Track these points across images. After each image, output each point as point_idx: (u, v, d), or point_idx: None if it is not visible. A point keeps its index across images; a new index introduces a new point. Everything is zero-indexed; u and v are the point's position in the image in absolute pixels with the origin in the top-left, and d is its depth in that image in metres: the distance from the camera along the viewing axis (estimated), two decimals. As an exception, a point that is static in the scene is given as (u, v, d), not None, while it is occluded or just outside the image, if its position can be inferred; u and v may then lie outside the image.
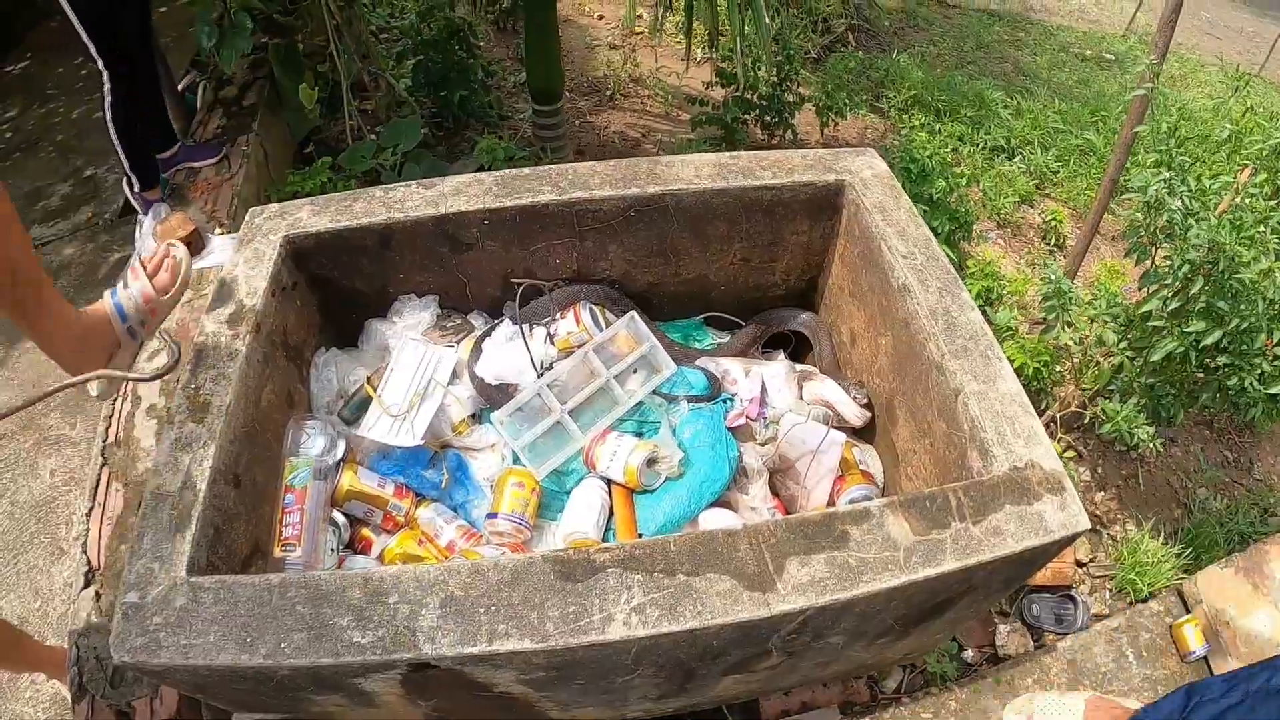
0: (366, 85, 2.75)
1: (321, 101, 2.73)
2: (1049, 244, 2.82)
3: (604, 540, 1.35)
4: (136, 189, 2.11)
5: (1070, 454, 2.33)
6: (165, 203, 2.15)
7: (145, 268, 1.25)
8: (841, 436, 1.43)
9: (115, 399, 1.77)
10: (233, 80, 2.68)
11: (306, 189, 2.44)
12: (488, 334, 1.59)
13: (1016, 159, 3.05)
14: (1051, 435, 2.38)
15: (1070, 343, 1.99)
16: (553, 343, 1.56)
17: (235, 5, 2.26)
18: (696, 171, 1.51)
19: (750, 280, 1.73)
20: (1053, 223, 2.79)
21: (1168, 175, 1.75)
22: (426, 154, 2.87)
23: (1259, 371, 1.73)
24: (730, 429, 1.50)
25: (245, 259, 1.38)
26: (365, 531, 1.42)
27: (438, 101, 3.07)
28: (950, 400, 1.27)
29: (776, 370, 1.62)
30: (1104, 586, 2.10)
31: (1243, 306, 1.68)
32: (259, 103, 2.60)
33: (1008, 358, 2.30)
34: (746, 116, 2.98)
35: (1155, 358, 1.86)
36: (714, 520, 1.37)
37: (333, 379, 1.52)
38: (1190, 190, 1.77)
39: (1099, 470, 2.33)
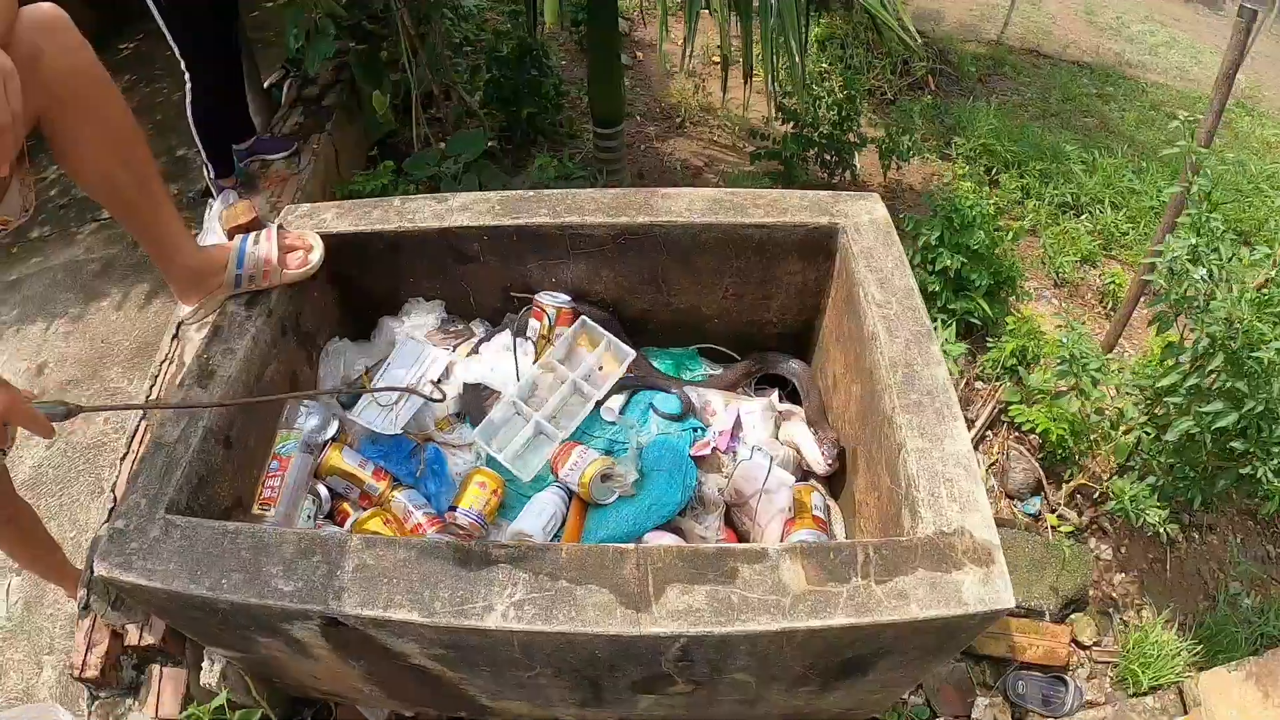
0: (436, 96, 2.98)
1: (396, 108, 2.98)
2: (1107, 307, 2.74)
3: (549, 544, 1.45)
4: (212, 176, 2.39)
5: (1093, 529, 2.27)
6: (235, 190, 2.43)
7: (285, 239, 1.49)
8: (790, 478, 1.48)
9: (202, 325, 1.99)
10: (316, 81, 2.96)
11: (368, 189, 2.68)
12: (485, 341, 1.73)
13: (1084, 216, 2.97)
14: (1075, 508, 2.32)
15: (1088, 412, 1.95)
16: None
17: (321, 11, 2.52)
18: (689, 205, 1.61)
19: (744, 316, 1.80)
20: (1111, 285, 2.71)
21: (1193, 241, 1.71)
22: (490, 165, 3.07)
23: (1276, 462, 1.66)
24: (696, 457, 1.58)
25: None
26: (345, 505, 1.59)
27: (508, 116, 3.27)
28: (895, 454, 1.31)
29: (753, 406, 1.69)
30: (1105, 673, 2.04)
31: (1259, 390, 1.62)
32: (337, 104, 2.87)
33: (1033, 421, 2.27)
34: (807, 154, 3.04)
35: (1170, 437, 1.81)
36: (658, 543, 1.45)
37: (339, 366, 1.70)
38: (1221, 260, 1.72)
39: (1122, 550, 2.26)
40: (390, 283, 1.75)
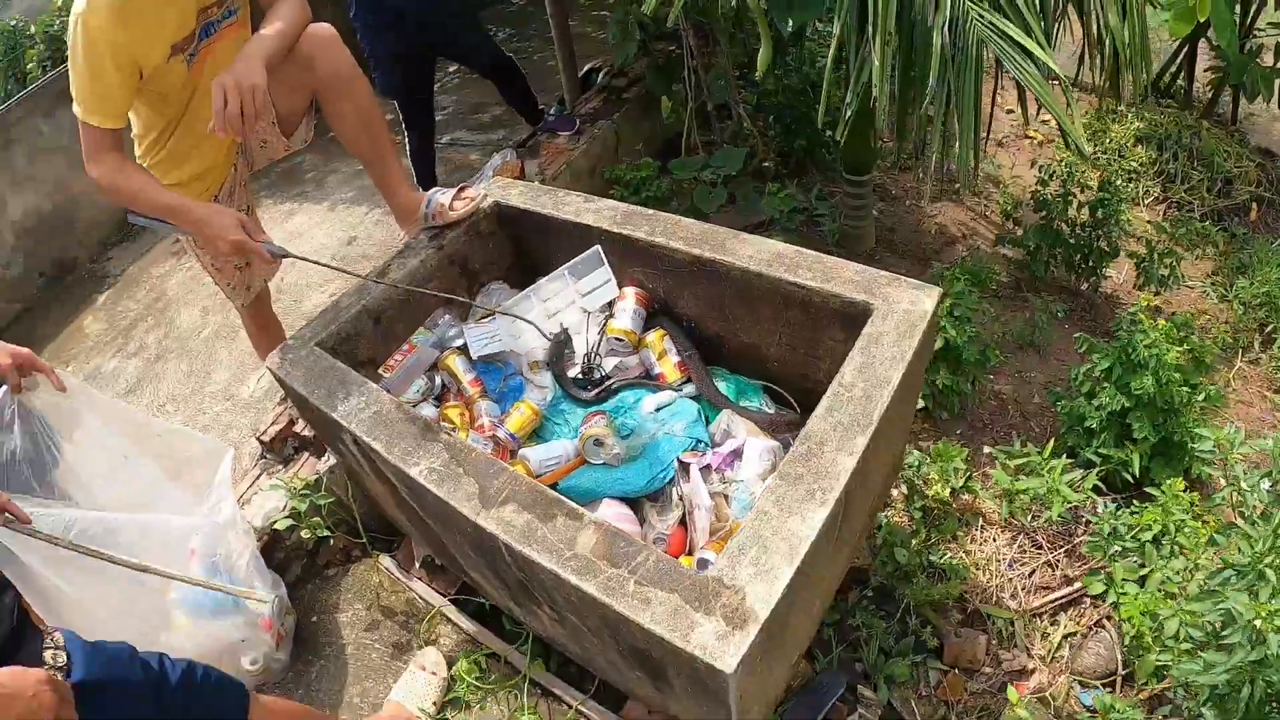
0: (709, 113, 3.58)
1: (690, 111, 3.64)
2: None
3: (538, 475, 2.02)
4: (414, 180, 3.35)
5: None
6: (515, 151, 3.33)
7: (464, 193, 2.31)
8: (709, 503, 1.85)
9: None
10: (627, 74, 3.76)
11: (625, 178, 3.40)
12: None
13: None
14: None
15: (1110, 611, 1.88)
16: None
17: (634, 17, 3.27)
18: (754, 253, 1.98)
19: (799, 369, 2.14)
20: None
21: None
22: (748, 183, 3.62)
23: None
24: (685, 463, 2.01)
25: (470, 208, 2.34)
26: (450, 395, 2.32)
27: (789, 142, 3.76)
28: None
29: (758, 444, 2.05)
30: None
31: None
32: (635, 98, 3.64)
33: (1123, 604, 2.23)
34: (1056, 250, 3.05)
35: (1174, 672, 1.74)
36: (611, 509, 1.94)
37: (491, 300, 2.44)
38: None
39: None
40: (546, 253, 2.43)
